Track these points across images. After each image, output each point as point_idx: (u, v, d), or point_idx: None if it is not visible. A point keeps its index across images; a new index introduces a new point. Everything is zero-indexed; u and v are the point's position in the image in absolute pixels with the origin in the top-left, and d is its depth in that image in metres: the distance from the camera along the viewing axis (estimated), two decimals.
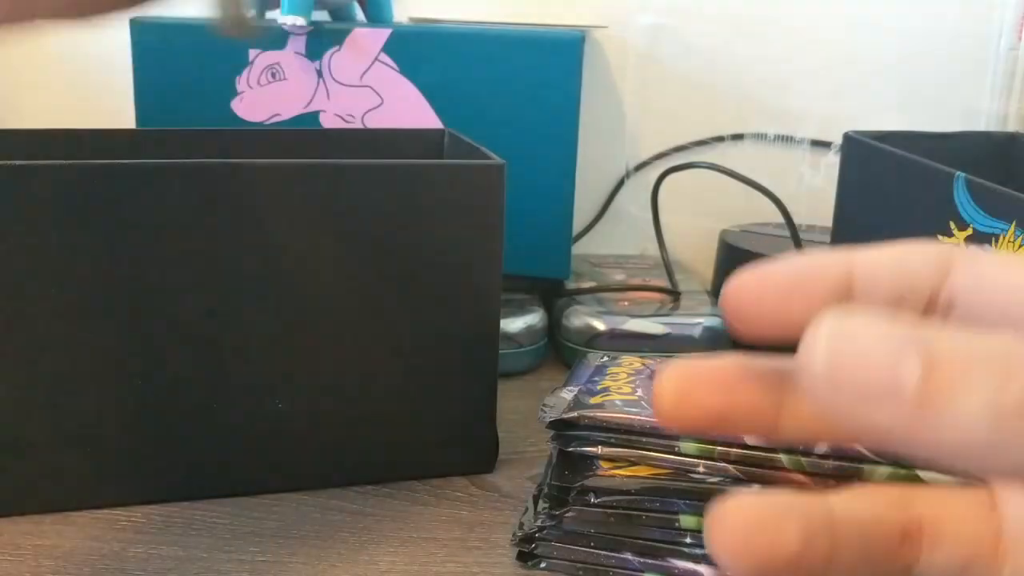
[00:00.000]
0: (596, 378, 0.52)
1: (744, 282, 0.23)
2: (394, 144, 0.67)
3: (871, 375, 0.19)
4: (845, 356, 0.19)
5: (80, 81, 0.92)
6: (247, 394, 0.52)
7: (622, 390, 0.49)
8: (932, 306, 0.23)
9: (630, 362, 0.54)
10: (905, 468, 0.42)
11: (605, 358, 0.56)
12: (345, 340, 0.53)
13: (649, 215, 0.83)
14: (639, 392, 0.49)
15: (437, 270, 0.53)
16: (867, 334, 0.19)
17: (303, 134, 0.67)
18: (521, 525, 0.49)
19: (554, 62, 0.74)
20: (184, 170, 0.49)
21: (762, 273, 0.23)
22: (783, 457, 0.43)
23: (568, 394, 0.49)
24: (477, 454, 0.57)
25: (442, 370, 0.55)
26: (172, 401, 0.51)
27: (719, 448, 0.44)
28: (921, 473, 0.42)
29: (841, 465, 0.43)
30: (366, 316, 0.53)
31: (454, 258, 0.53)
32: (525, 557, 0.48)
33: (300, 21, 0.73)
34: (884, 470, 0.42)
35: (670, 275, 0.81)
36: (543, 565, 0.48)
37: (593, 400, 0.48)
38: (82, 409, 0.50)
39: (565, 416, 0.47)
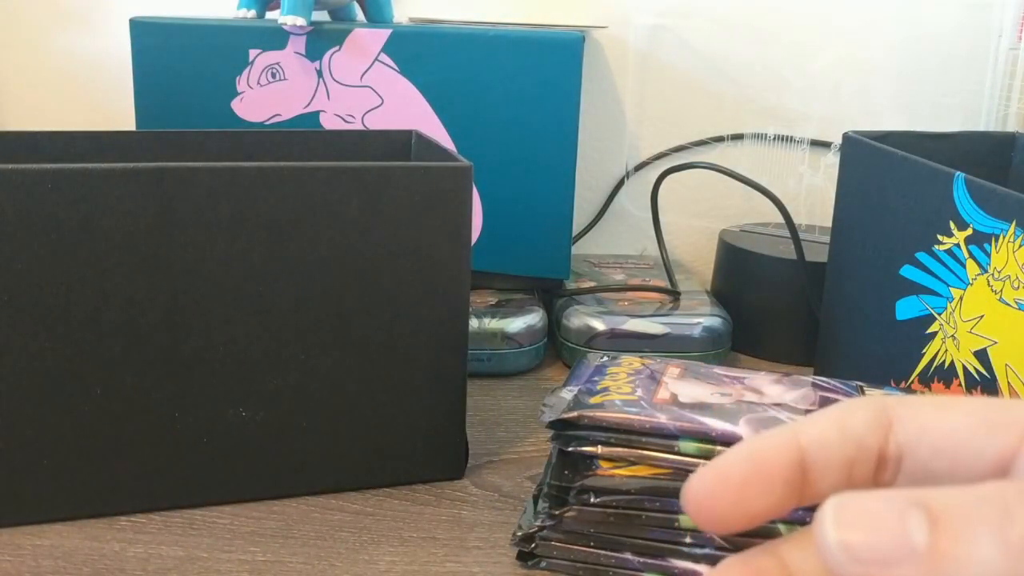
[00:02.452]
0: (596, 378, 0.52)
1: (701, 483, 0.24)
2: (361, 146, 0.67)
3: (884, 541, 0.20)
4: (855, 529, 0.21)
5: (80, 81, 0.92)
6: (209, 403, 0.52)
7: (622, 390, 0.49)
8: (883, 464, 0.25)
9: (630, 362, 0.54)
10: None
11: (605, 358, 0.56)
12: (308, 346, 0.53)
13: (649, 215, 0.83)
14: (639, 392, 0.49)
15: (404, 274, 0.53)
16: (869, 504, 0.21)
17: (271, 135, 0.67)
18: (520, 525, 0.49)
19: (554, 62, 0.74)
20: (140, 174, 0.48)
21: (716, 471, 0.24)
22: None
23: (568, 394, 0.49)
24: (446, 460, 0.57)
25: (408, 375, 0.54)
26: (132, 410, 0.51)
27: (719, 448, 0.44)
28: None
29: None
30: (331, 321, 0.52)
31: (421, 261, 0.53)
32: (525, 557, 0.48)
33: (300, 21, 0.73)
34: None
35: (670, 275, 0.81)
36: (543, 565, 0.48)
37: (593, 400, 0.48)
38: (43, 418, 0.50)
39: (565, 416, 0.47)
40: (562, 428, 0.47)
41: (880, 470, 0.25)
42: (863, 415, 0.25)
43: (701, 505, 0.24)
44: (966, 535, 0.20)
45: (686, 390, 0.49)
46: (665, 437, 0.45)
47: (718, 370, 0.54)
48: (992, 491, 0.21)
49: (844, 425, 0.25)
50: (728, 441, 0.44)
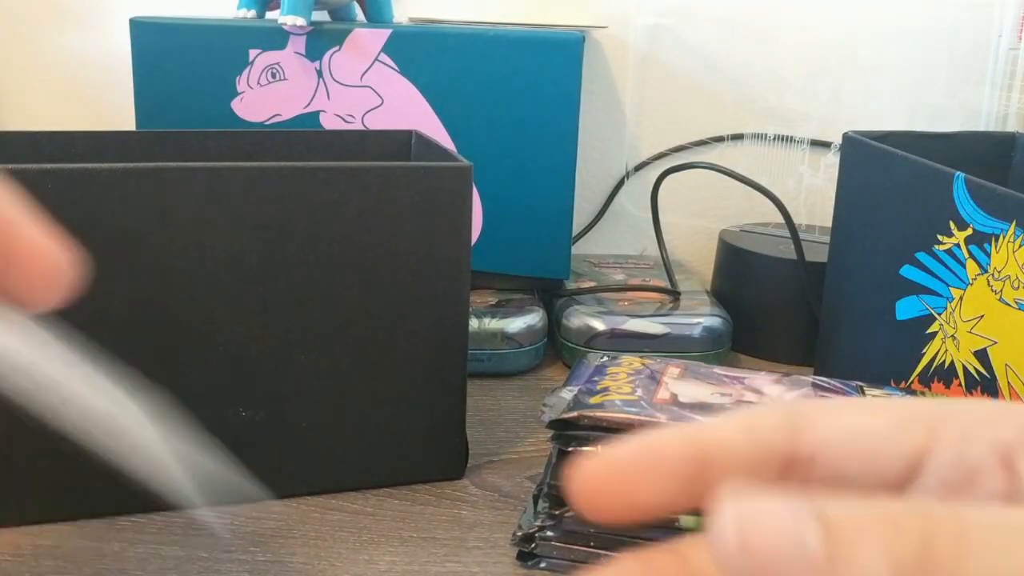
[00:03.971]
0: (596, 378, 0.52)
1: (589, 471, 0.24)
2: (361, 146, 0.67)
3: (780, 544, 0.21)
4: (753, 531, 0.21)
5: (80, 81, 0.92)
6: (209, 403, 0.52)
7: (622, 390, 0.49)
8: (790, 467, 0.25)
9: (630, 362, 0.54)
10: None
11: (605, 358, 0.56)
12: (309, 346, 0.52)
13: (649, 215, 0.83)
14: (639, 392, 0.49)
15: (404, 274, 0.53)
16: (768, 508, 0.21)
17: (271, 135, 0.67)
18: (520, 525, 0.49)
19: (554, 62, 0.74)
20: (141, 174, 0.48)
21: (606, 460, 0.24)
22: None
23: (568, 394, 0.49)
24: (446, 460, 0.57)
25: (409, 375, 0.54)
26: None
27: None
28: None
29: None
30: (331, 321, 0.52)
31: (421, 261, 0.53)
32: (525, 557, 0.48)
33: (300, 21, 0.73)
34: None
35: (670, 275, 0.81)
36: (543, 565, 0.48)
37: (593, 400, 0.48)
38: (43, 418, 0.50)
39: (565, 416, 0.47)
40: (562, 428, 0.47)
41: (789, 473, 0.25)
42: (772, 418, 0.25)
43: (586, 492, 0.24)
44: (858, 546, 0.20)
45: (686, 390, 0.49)
46: None
47: (718, 370, 0.54)
48: (885, 505, 0.21)
49: (751, 426, 0.25)
50: None
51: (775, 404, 0.26)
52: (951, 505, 0.21)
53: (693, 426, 0.25)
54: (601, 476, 0.24)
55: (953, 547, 0.20)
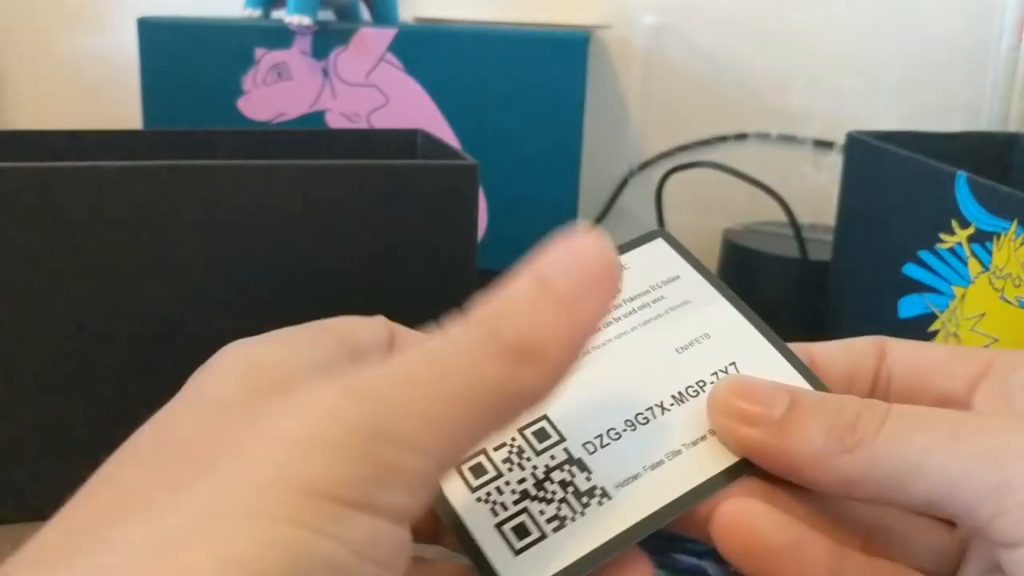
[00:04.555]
0: None
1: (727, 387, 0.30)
2: (367, 144, 0.67)
3: (753, 406, 0.28)
4: (739, 396, 0.29)
5: (88, 80, 0.92)
6: None
7: None
8: (876, 382, 0.32)
9: None
10: None
11: None
12: None
13: (653, 214, 0.83)
14: None
15: (410, 272, 0.53)
16: (758, 383, 0.29)
17: (277, 134, 0.67)
18: None
19: (559, 62, 0.74)
20: (148, 172, 0.48)
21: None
22: None
23: None
24: None
25: None
26: (140, 408, 0.51)
27: None
28: None
29: None
30: None
31: (427, 260, 0.53)
32: None
33: (306, 20, 0.74)
34: None
35: None
36: None
37: None
38: (51, 417, 0.50)
39: None
40: None
41: (874, 389, 0.31)
42: (864, 342, 0.32)
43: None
44: (806, 418, 0.27)
45: None
46: None
47: None
48: (839, 396, 0.28)
49: (848, 346, 0.32)
50: None
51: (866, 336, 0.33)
52: (890, 404, 0.27)
53: (805, 345, 0.32)
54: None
55: (874, 424, 0.27)
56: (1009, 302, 0.51)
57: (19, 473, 0.50)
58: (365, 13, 0.84)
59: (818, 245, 0.79)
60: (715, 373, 0.31)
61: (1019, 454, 0.25)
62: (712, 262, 0.88)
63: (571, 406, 0.30)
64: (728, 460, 0.29)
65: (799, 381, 0.31)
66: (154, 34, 0.75)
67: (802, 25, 0.91)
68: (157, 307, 0.50)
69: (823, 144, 0.91)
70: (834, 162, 0.88)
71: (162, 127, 0.75)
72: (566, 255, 0.26)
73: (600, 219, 0.94)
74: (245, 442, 0.21)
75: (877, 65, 0.91)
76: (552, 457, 0.29)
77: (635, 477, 0.29)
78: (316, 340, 0.27)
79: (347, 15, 0.83)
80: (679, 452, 0.29)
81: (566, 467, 0.29)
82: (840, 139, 0.77)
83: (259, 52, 0.75)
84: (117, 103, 0.91)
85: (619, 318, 0.32)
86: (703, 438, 0.30)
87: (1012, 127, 0.85)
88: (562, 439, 0.29)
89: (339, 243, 0.51)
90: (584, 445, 0.29)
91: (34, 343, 0.49)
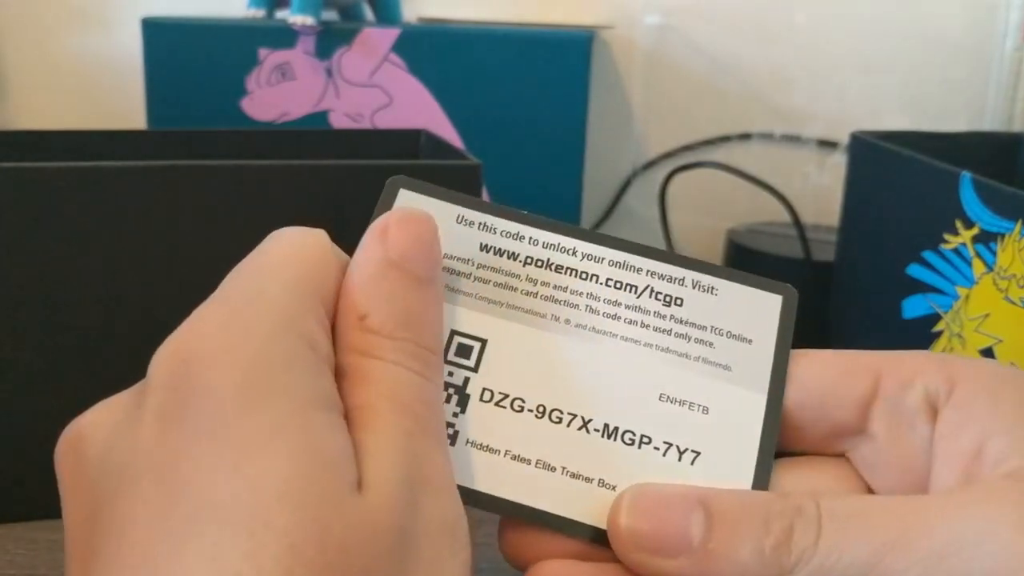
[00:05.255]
0: None
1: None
2: (370, 144, 0.67)
3: (667, 534, 0.25)
4: (646, 519, 0.25)
5: (92, 81, 0.92)
6: None
7: None
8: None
9: None
10: None
11: None
12: None
13: (656, 214, 0.83)
14: None
15: None
16: (662, 497, 0.25)
17: (280, 134, 0.67)
18: None
19: (562, 62, 0.74)
20: (152, 172, 0.48)
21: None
22: None
23: None
24: None
25: None
26: None
27: None
28: None
29: None
30: None
31: None
32: None
33: (310, 20, 0.74)
34: None
35: None
36: None
37: None
38: (57, 415, 0.50)
39: None
40: None
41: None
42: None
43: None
44: (732, 539, 0.24)
45: None
46: None
47: None
48: (761, 502, 0.25)
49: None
50: None
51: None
52: (816, 500, 0.24)
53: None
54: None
55: (809, 536, 0.24)
56: (1013, 303, 0.51)
57: (20, 472, 0.50)
58: (368, 13, 0.84)
59: (821, 245, 0.79)
60: (669, 445, 0.27)
61: (984, 546, 0.23)
62: (716, 261, 0.88)
63: (515, 354, 0.28)
64: (592, 520, 0.26)
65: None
66: (158, 34, 0.75)
67: (806, 25, 0.90)
68: (160, 307, 0.50)
69: (827, 144, 0.91)
70: (838, 162, 0.88)
71: (166, 127, 0.75)
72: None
73: (603, 219, 0.94)
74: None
75: (881, 65, 0.90)
76: (450, 374, 0.27)
77: (493, 451, 0.27)
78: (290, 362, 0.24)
79: (350, 15, 0.83)
80: (553, 470, 0.27)
81: (451, 391, 0.27)
82: (844, 139, 0.77)
83: (263, 52, 0.75)
84: (121, 103, 0.91)
85: (648, 325, 0.29)
86: (587, 480, 0.27)
87: (1016, 127, 0.85)
88: (474, 369, 0.28)
89: (343, 243, 0.51)
90: (484, 389, 0.27)
91: (34, 343, 0.49)
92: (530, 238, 0.29)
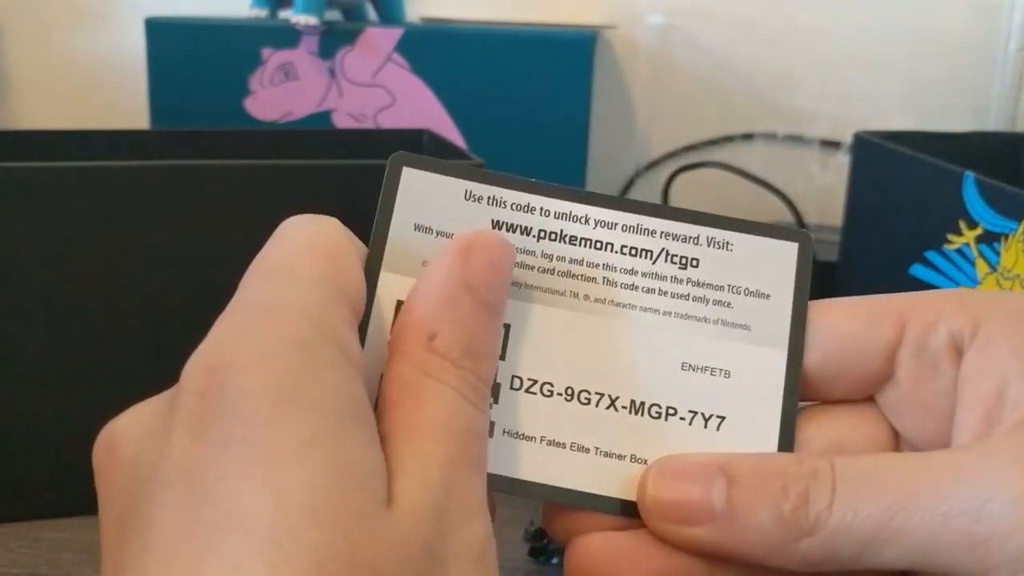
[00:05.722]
0: None
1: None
2: (373, 144, 0.67)
3: (690, 502, 0.25)
4: (670, 490, 0.26)
5: (95, 80, 0.92)
6: None
7: None
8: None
9: None
10: None
11: None
12: None
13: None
14: None
15: None
16: (686, 468, 0.26)
17: (283, 134, 0.67)
18: (532, 521, 0.49)
19: (565, 62, 0.74)
20: (155, 172, 0.48)
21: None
22: None
23: None
24: None
25: None
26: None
27: None
28: None
29: None
30: None
31: None
32: (537, 553, 0.48)
33: (313, 20, 0.74)
34: None
35: None
36: (555, 560, 0.48)
37: None
38: (61, 415, 0.50)
39: None
40: None
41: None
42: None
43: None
44: (752, 505, 0.25)
45: None
46: None
47: None
48: (778, 465, 0.25)
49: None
50: None
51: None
52: (831, 461, 0.25)
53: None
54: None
55: (824, 498, 0.24)
56: None
57: (23, 472, 0.51)
58: (372, 13, 0.84)
59: (825, 246, 0.79)
60: (694, 413, 0.28)
61: (987, 505, 0.23)
62: None
63: (538, 337, 0.28)
64: (626, 495, 0.27)
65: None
66: (161, 34, 0.75)
67: (809, 25, 0.90)
68: (162, 307, 0.50)
69: (830, 144, 0.91)
70: (841, 162, 0.88)
71: (169, 127, 0.75)
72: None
73: None
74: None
75: (884, 65, 0.90)
76: None
77: (529, 439, 0.27)
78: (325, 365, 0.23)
79: (353, 15, 0.83)
80: (587, 451, 0.27)
81: None
82: (847, 139, 0.77)
83: (266, 52, 0.75)
84: (124, 103, 0.91)
85: (666, 292, 0.28)
86: (619, 457, 0.27)
87: (1020, 127, 0.85)
88: (502, 357, 0.27)
89: None
90: (514, 376, 0.27)
91: (36, 342, 0.49)
92: (541, 209, 0.29)
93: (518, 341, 0.27)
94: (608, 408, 0.28)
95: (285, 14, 0.78)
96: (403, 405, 0.24)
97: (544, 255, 0.28)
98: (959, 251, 0.55)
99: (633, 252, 0.29)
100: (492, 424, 0.27)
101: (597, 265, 0.28)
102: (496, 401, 0.27)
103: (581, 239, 0.28)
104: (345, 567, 0.20)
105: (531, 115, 0.75)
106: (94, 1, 0.92)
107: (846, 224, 0.71)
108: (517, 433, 0.27)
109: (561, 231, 0.28)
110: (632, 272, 0.28)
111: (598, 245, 0.28)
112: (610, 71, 0.92)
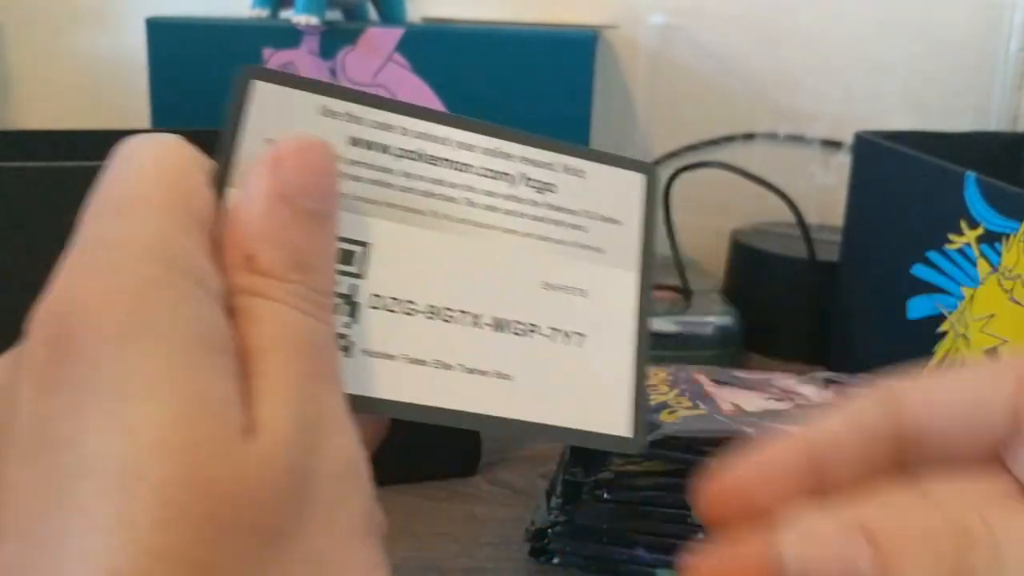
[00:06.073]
0: None
1: (718, 485, 0.25)
2: None
3: (835, 566, 0.22)
4: (810, 558, 0.22)
5: (96, 80, 0.92)
6: None
7: (682, 404, 0.48)
8: (901, 449, 0.25)
9: (654, 372, 0.53)
10: None
11: None
12: None
13: (660, 214, 0.83)
14: (701, 405, 0.47)
15: None
16: (818, 526, 0.23)
17: None
18: (533, 521, 0.49)
19: (567, 62, 0.74)
20: None
21: (732, 473, 0.25)
22: None
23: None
24: (459, 457, 0.57)
25: None
26: None
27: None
28: None
29: None
30: None
31: None
32: (537, 552, 0.48)
33: (314, 20, 0.74)
34: None
35: (681, 274, 0.81)
36: (556, 560, 0.48)
37: (665, 417, 0.46)
38: None
39: (679, 434, 0.45)
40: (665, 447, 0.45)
41: (902, 455, 0.25)
42: (871, 406, 0.25)
43: (715, 503, 0.24)
44: (904, 567, 0.22)
45: (740, 399, 0.49)
46: None
47: (740, 374, 0.54)
48: (926, 519, 0.23)
49: (853, 418, 0.25)
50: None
51: (870, 390, 0.26)
52: (986, 517, 0.22)
53: (800, 430, 0.25)
54: (729, 488, 0.24)
55: (987, 563, 0.21)
56: (1019, 303, 0.51)
57: None
58: (373, 13, 0.84)
59: (826, 245, 0.79)
60: (556, 331, 0.28)
61: None
62: (720, 262, 0.88)
63: (399, 255, 0.27)
64: (494, 411, 0.27)
65: (624, 394, 0.29)
66: (162, 34, 0.75)
67: (810, 25, 0.90)
68: None
69: (831, 144, 0.91)
70: (842, 162, 0.88)
71: (170, 127, 0.75)
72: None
73: None
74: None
75: (885, 65, 0.90)
76: (338, 282, 0.26)
77: (389, 357, 0.26)
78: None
79: (354, 15, 0.83)
80: (450, 368, 0.27)
81: (339, 301, 0.26)
82: (848, 139, 0.77)
83: (267, 52, 0.75)
84: (125, 103, 0.91)
85: (525, 215, 0.29)
86: (483, 374, 0.27)
87: (1021, 127, 0.85)
88: (360, 275, 0.27)
89: None
90: (374, 295, 0.27)
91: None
92: (401, 128, 0.28)
93: (378, 260, 0.27)
94: (471, 326, 0.27)
95: (286, 14, 0.78)
96: (243, 330, 0.23)
97: (404, 174, 0.28)
98: (960, 251, 0.55)
99: (493, 175, 0.29)
100: (351, 343, 0.26)
101: (458, 186, 0.28)
102: (355, 320, 0.26)
103: (441, 160, 0.28)
104: (196, 500, 0.19)
105: (532, 115, 0.75)
106: (94, 1, 0.92)
107: (847, 224, 0.71)
108: (378, 352, 0.26)
109: (421, 151, 0.28)
110: (492, 194, 0.29)
111: (458, 166, 0.29)
112: (611, 71, 0.92)
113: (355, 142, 0.27)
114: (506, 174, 0.29)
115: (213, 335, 0.22)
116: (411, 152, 0.28)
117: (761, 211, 0.90)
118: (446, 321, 0.27)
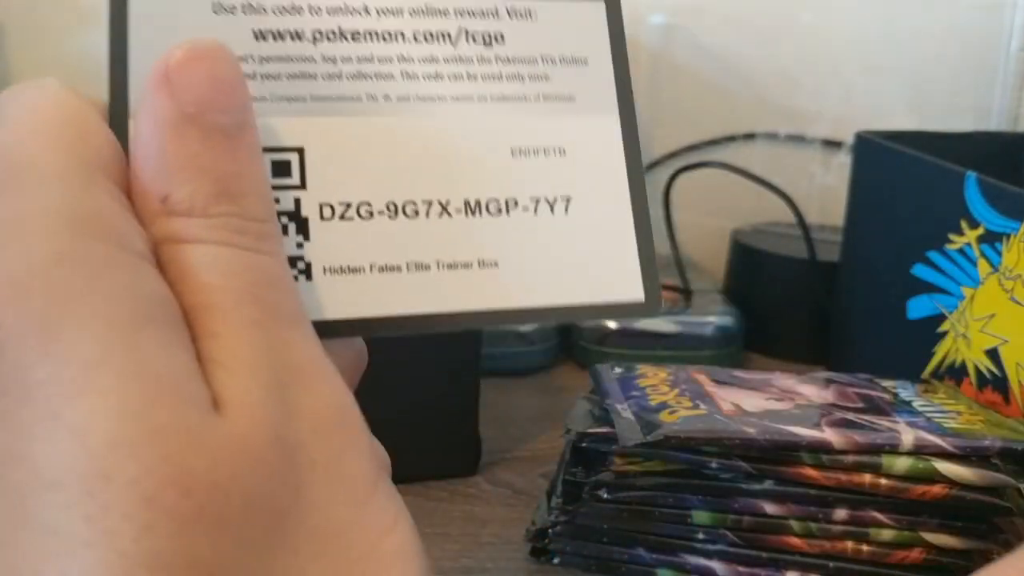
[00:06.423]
0: (634, 393, 0.50)
1: None
2: None
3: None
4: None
5: (95, 81, 0.92)
6: None
7: (683, 404, 0.48)
8: None
9: (655, 372, 0.53)
10: (923, 460, 0.42)
11: (619, 369, 0.54)
12: None
13: (661, 214, 0.83)
14: (701, 405, 0.47)
15: None
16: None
17: None
18: (534, 521, 0.49)
19: None
20: None
21: None
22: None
23: (626, 412, 0.47)
24: (459, 457, 0.57)
25: (422, 372, 0.54)
26: None
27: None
28: (938, 464, 0.42)
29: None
30: None
31: None
32: (538, 552, 0.48)
33: None
34: (903, 462, 0.42)
35: (682, 274, 0.81)
36: (556, 560, 0.48)
37: (664, 417, 0.46)
38: None
39: (679, 434, 0.44)
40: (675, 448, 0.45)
41: None
42: None
43: None
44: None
45: (740, 399, 0.49)
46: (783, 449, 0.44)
47: (740, 374, 0.53)
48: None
49: None
50: (820, 447, 0.44)
51: None
52: None
53: None
54: None
55: None
56: (1019, 303, 0.51)
57: None
58: None
59: (827, 245, 0.79)
60: (537, 200, 0.25)
61: None
62: (720, 262, 0.88)
63: (340, 154, 0.24)
64: (486, 306, 0.24)
65: (628, 253, 0.26)
66: None
67: (811, 25, 0.90)
68: None
69: (832, 144, 0.91)
70: (843, 162, 0.88)
71: None
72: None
73: None
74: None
75: (886, 65, 0.90)
76: (276, 200, 0.23)
77: (356, 271, 0.23)
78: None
79: None
80: (428, 268, 0.24)
81: (284, 219, 0.23)
82: (849, 139, 0.77)
83: None
84: None
85: (476, 76, 0.25)
86: (466, 266, 0.24)
87: (1021, 127, 0.85)
88: (302, 185, 0.23)
89: None
90: (322, 205, 0.23)
91: None
92: (309, 7, 0.24)
93: (319, 164, 0.24)
94: (441, 215, 0.24)
95: None
96: (179, 287, 0.19)
97: (325, 59, 0.24)
98: (961, 251, 0.55)
99: (428, 37, 0.25)
100: (309, 264, 0.23)
101: (390, 59, 0.25)
102: (307, 238, 0.23)
103: (365, 33, 0.24)
104: (180, 494, 0.17)
105: None
106: (94, 1, 0.92)
107: (848, 224, 0.71)
108: (342, 268, 0.23)
109: (340, 29, 0.24)
110: (432, 60, 0.25)
111: (386, 36, 0.25)
112: None
113: (261, 35, 0.24)
114: (444, 33, 0.25)
115: (149, 302, 0.19)
116: (328, 32, 0.24)
117: (761, 211, 0.90)
118: (410, 216, 0.24)
